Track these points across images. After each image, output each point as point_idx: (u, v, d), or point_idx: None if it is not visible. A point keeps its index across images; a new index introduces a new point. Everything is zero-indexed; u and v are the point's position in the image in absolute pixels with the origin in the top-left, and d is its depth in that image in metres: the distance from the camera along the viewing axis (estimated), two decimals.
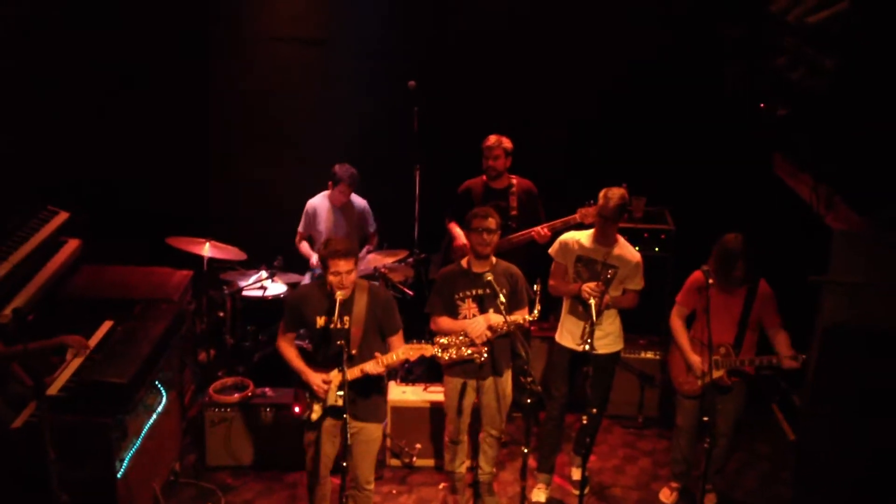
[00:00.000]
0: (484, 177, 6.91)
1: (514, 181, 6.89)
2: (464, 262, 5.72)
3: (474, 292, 5.65)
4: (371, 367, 5.22)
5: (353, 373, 5.17)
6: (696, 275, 5.94)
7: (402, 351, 5.33)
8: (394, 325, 5.41)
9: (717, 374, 5.80)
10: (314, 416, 5.33)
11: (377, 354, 5.28)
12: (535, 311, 5.65)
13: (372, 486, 5.59)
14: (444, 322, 5.70)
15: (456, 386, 5.77)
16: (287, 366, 5.44)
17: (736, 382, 5.89)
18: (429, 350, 5.37)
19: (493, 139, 6.81)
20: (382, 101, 7.88)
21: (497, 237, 5.61)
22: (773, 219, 7.11)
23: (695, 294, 5.93)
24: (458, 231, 6.91)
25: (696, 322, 6.03)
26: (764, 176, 7.03)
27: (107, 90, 7.54)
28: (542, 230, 6.57)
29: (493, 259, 5.68)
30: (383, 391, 5.46)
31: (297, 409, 5.41)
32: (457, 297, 5.67)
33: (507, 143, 6.80)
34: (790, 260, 6.64)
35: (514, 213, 6.80)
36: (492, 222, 5.54)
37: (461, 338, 5.55)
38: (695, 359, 5.90)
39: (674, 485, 6.33)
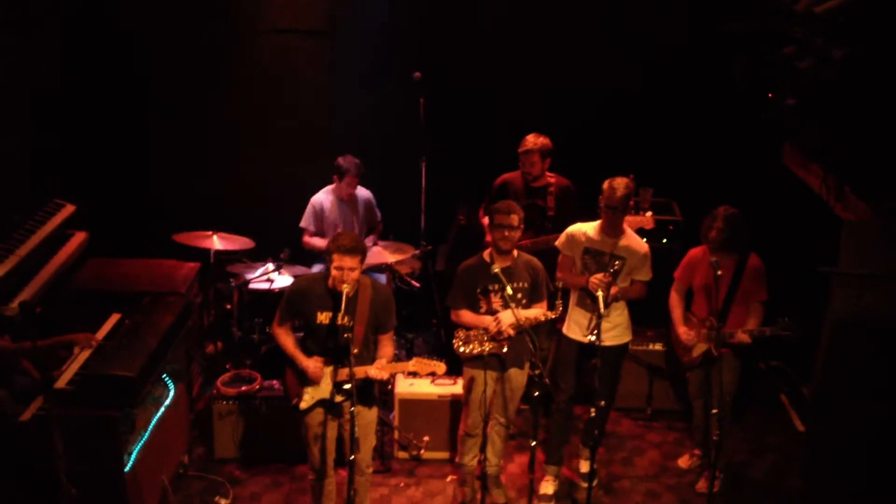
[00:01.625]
0: (520, 172, 6.81)
1: (553, 180, 6.77)
2: (486, 256, 5.69)
3: (496, 286, 5.62)
4: (375, 372, 5.24)
5: (356, 372, 5.16)
6: (692, 252, 6.18)
7: (412, 364, 5.38)
8: (389, 324, 5.42)
9: (703, 347, 6.05)
10: (303, 405, 5.35)
11: (383, 360, 5.31)
12: (557, 309, 5.69)
13: (371, 471, 5.65)
14: (466, 316, 5.69)
15: (474, 375, 5.74)
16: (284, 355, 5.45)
17: (725, 354, 5.93)
18: (441, 368, 5.39)
19: (529, 143, 6.62)
20: (387, 92, 7.85)
21: (519, 233, 5.58)
22: (783, 209, 7.08)
23: (688, 269, 6.17)
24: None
25: (694, 298, 6.22)
26: (773, 166, 7.00)
27: (110, 86, 7.55)
28: None
29: (515, 252, 5.67)
30: (374, 379, 5.45)
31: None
32: (479, 290, 5.66)
33: (544, 146, 6.61)
34: (799, 251, 6.61)
35: (551, 213, 6.70)
36: (514, 219, 5.51)
37: (482, 333, 5.60)
38: (680, 329, 6.15)
39: (696, 452, 6.51)
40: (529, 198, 6.68)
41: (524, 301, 5.61)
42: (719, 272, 5.62)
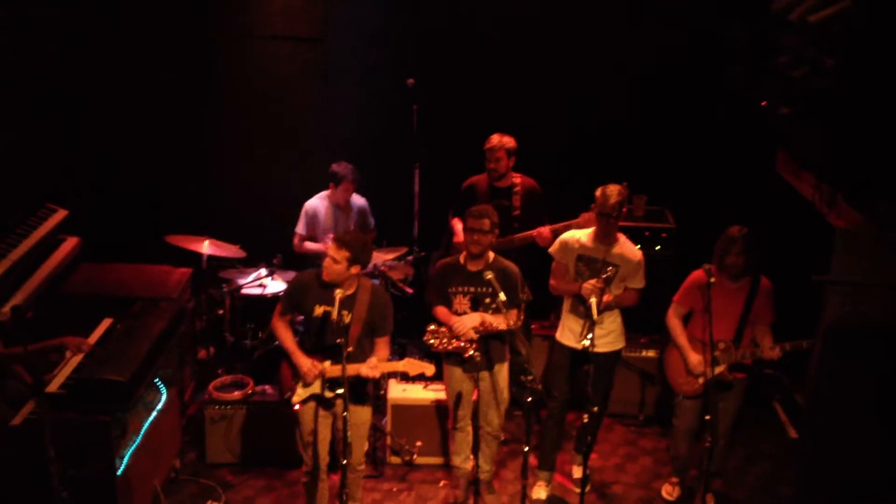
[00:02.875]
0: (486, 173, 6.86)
1: (518, 180, 6.81)
2: (461, 258, 5.75)
3: (466, 289, 5.70)
4: (367, 370, 5.28)
5: (348, 370, 5.21)
6: (695, 274, 5.90)
7: (403, 364, 5.45)
8: (386, 327, 5.49)
9: (718, 370, 5.73)
10: (295, 399, 5.41)
11: (374, 360, 5.34)
12: (519, 320, 5.74)
13: (363, 468, 5.73)
14: (440, 312, 5.80)
15: (451, 374, 5.86)
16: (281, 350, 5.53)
17: (738, 379, 5.86)
18: (430, 370, 5.45)
19: (494, 140, 6.69)
20: (381, 98, 7.85)
21: (490, 238, 5.63)
22: (776, 217, 7.09)
23: (693, 293, 5.89)
24: (459, 227, 6.90)
25: (693, 321, 5.97)
26: (766, 174, 7.01)
27: (105, 89, 7.54)
28: (544, 232, 6.53)
29: (491, 256, 5.70)
30: (366, 378, 5.51)
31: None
32: (450, 290, 5.74)
33: (509, 143, 6.68)
34: (792, 259, 6.63)
35: (516, 213, 6.74)
36: (486, 223, 5.56)
37: (448, 331, 5.71)
38: (694, 357, 5.84)
39: (674, 480, 6.31)
40: (494, 198, 6.71)
41: (493, 306, 5.62)
42: (713, 279, 5.59)
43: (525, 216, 6.74)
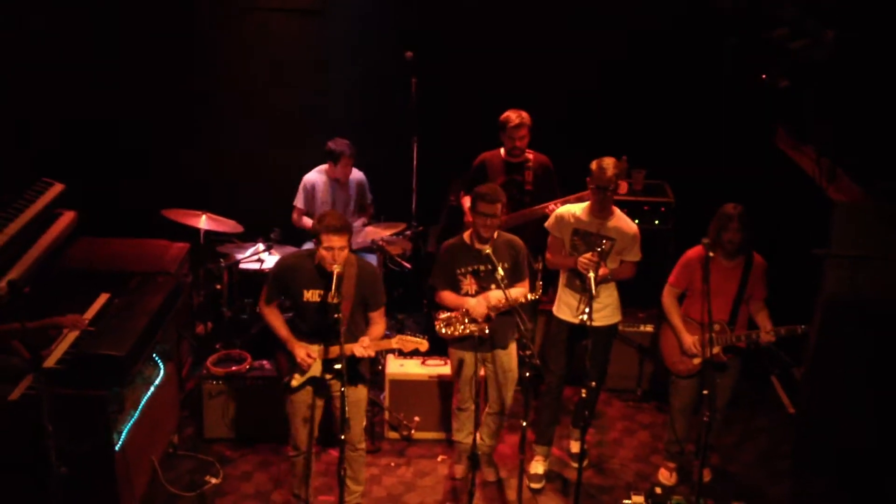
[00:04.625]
0: (500, 150, 6.75)
1: (531, 156, 6.75)
2: (466, 237, 5.70)
3: (476, 268, 5.64)
4: (360, 350, 5.23)
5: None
6: (689, 253, 5.86)
7: (396, 340, 5.39)
8: (378, 300, 5.41)
9: (714, 350, 5.68)
10: (294, 383, 5.38)
11: (366, 339, 5.27)
12: (538, 290, 5.74)
13: (364, 447, 5.66)
14: (448, 297, 5.71)
15: (460, 357, 5.80)
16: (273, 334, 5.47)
17: (731, 358, 5.84)
18: (423, 346, 5.40)
19: (515, 118, 6.55)
20: (379, 71, 7.80)
21: (502, 219, 5.60)
22: (775, 192, 7.07)
23: (687, 273, 5.84)
24: (469, 206, 6.86)
25: (688, 301, 5.93)
26: (766, 148, 6.99)
27: (100, 62, 7.50)
28: (555, 206, 6.48)
29: (496, 232, 5.66)
30: (360, 358, 5.50)
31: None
32: (458, 271, 5.67)
33: (528, 119, 6.58)
34: (792, 233, 6.61)
35: (528, 187, 6.69)
36: (498, 207, 5.49)
37: (463, 314, 5.64)
38: (687, 338, 5.81)
39: (670, 465, 6.26)
40: (508, 174, 6.67)
41: (505, 282, 5.60)
42: (710, 254, 5.53)
43: (537, 191, 6.69)
